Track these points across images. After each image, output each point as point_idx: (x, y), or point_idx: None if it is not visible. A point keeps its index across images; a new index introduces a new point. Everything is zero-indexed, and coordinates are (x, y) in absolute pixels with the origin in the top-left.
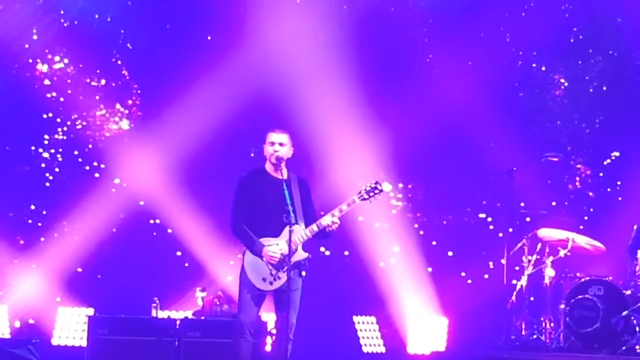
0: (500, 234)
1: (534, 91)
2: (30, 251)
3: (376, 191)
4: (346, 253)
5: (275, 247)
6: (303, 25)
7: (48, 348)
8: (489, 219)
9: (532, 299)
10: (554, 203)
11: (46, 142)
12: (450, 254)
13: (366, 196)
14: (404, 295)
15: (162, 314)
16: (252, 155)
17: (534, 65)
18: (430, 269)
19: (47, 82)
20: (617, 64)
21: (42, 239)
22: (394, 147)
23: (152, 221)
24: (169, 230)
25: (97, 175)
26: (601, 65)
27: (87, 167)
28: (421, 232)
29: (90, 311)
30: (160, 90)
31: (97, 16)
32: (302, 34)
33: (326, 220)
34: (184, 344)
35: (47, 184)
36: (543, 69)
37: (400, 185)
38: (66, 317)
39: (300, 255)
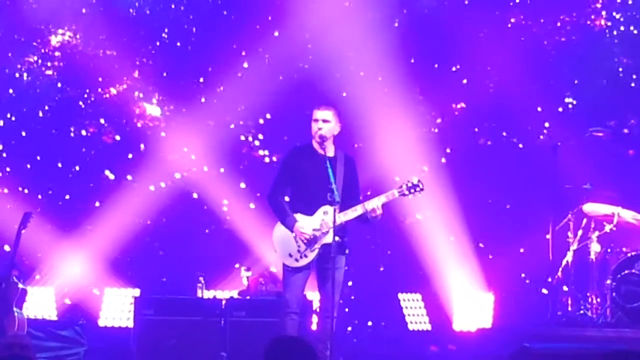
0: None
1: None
2: (76, 233)
3: (417, 189)
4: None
5: (307, 223)
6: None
7: (94, 329)
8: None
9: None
10: (598, 178)
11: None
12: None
13: (406, 192)
14: (450, 272)
15: (208, 294)
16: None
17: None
18: (481, 245)
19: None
20: None
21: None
22: (439, 125)
23: (195, 195)
24: (212, 209)
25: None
26: None
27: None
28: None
29: (137, 292)
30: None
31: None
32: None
33: (371, 204)
34: (230, 323)
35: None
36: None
37: (444, 159)
38: (112, 298)
39: (329, 238)
